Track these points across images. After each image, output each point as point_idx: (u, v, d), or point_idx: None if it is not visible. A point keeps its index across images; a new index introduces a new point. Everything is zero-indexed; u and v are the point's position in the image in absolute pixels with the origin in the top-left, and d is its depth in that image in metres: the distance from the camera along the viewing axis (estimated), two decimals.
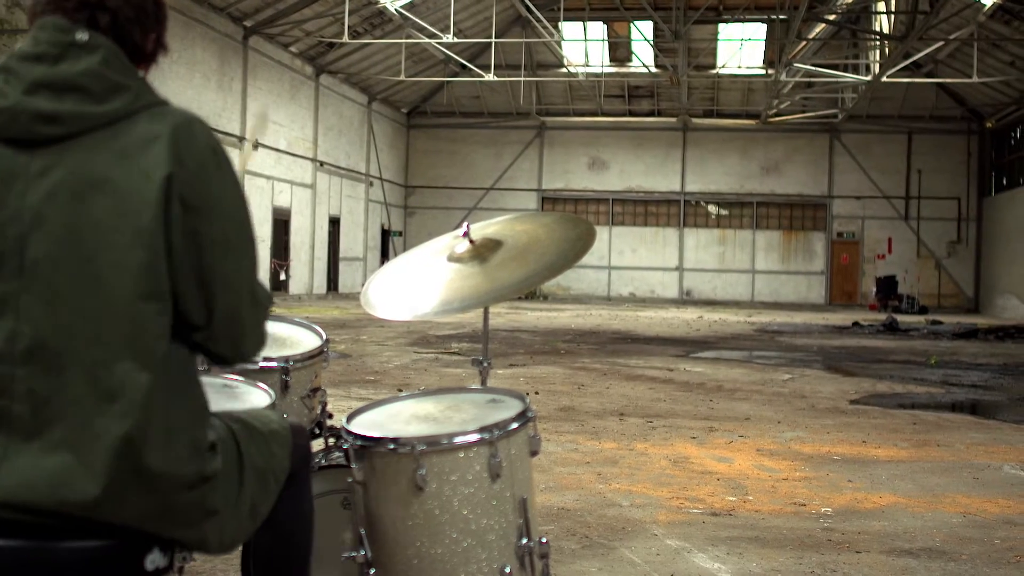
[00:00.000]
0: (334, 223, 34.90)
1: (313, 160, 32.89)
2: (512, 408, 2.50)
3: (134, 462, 1.80)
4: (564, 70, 37.10)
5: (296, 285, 31.64)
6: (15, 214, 1.80)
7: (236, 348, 1.98)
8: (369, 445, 2.37)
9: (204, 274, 1.87)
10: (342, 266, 35.72)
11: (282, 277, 30.64)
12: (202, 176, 1.86)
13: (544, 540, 2.40)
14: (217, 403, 2.27)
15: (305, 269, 32.45)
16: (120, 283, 1.80)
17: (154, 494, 1.83)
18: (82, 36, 1.86)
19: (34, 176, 1.80)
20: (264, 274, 29.28)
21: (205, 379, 2.19)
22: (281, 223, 30.63)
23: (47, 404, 1.79)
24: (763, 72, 36.79)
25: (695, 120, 40.19)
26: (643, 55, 37.20)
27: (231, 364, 2.04)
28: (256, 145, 27.93)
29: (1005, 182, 35.89)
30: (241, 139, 27.66)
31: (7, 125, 1.81)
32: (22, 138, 1.82)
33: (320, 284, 33.67)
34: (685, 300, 39.79)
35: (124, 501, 1.81)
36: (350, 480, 2.42)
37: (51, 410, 1.79)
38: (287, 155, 30.89)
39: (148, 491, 1.82)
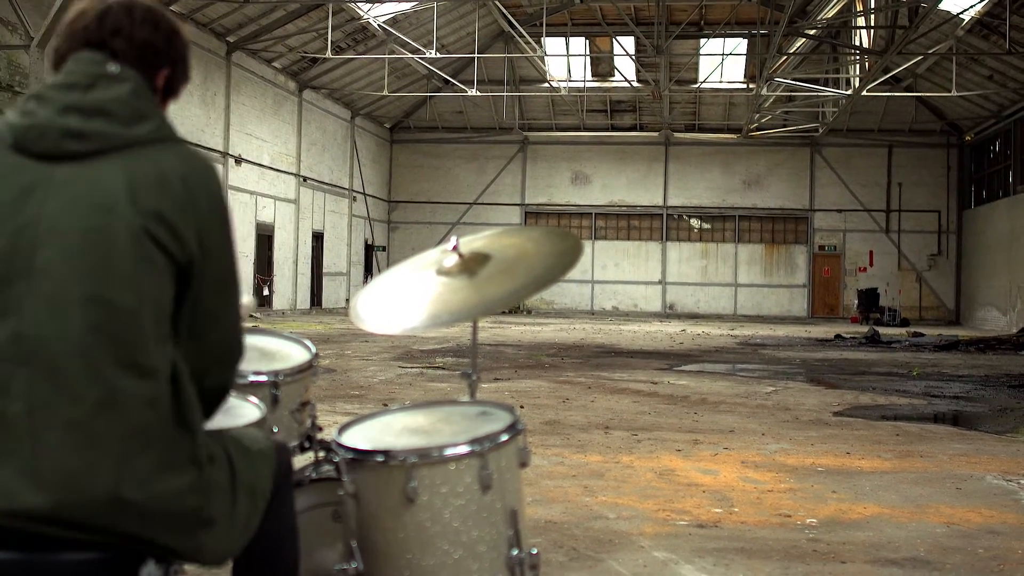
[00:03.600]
0: (317, 238, 34.86)
1: (296, 175, 32.86)
2: (502, 420, 2.52)
3: (132, 465, 1.84)
4: (547, 85, 37.21)
5: (279, 300, 31.57)
6: (31, 220, 1.88)
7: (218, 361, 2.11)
8: (360, 458, 2.39)
9: (197, 307, 2.02)
10: (325, 281, 35.66)
11: (265, 292, 30.56)
12: (206, 224, 1.99)
13: (535, 551, 2.42)
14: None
15: (288, 284, 32.39)
16: (123, 293, 1.87)
17: (153, 499, 1.86)
18: (113, 68, 2.00)
19: (55, 186, 1.90)
20: (248, 289, 29.21)
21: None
22: (264, 238, 30.58)
23: (46, 405, 1.82)
24: (744, 86, 37.00)
25: (677, 134, 40.36)
26: (625, 70, 37.36)
27: (209, 381, 2.11)
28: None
29: (984, 195, 36.15)
30: (224, 154, 27.64)
31: (37, 140, 1.92)
32: (50, 153, 1.91)
33: (304, 299, 33.60)
34: (668, 314, 39.88)
35: (124, 504, 1.84)
36: (341, 493, 2.43)
37: (48, 412, 1.82)
38: (270, 170, 30.86)
39: (146, 496, 1.85)
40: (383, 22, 30.22)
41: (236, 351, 2.15)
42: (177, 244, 1.93)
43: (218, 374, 2.11)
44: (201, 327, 2.04)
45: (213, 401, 2.14)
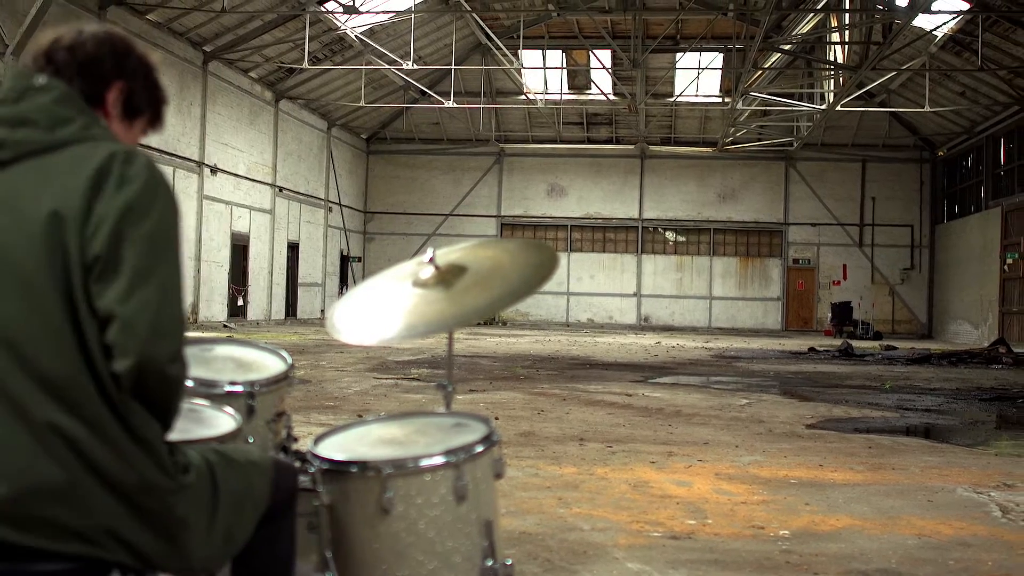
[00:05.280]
0: (293, 248, 34.76)
1: (272, 185, 32.77)
2: (477, 431, 2.53)
3: (86, 459, 1.86)
4: (523, 97, 37.30)
5: (254, 311, 31.44)
6: None
7: (134, 342, 1.87)
8: (336, 468, 2.39)
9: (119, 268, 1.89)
10: (301, 292, 35.55)
11: (240, 303, 30.43)
12: (124, 216, 1.90)
13: (509, 562, 2.43)
14: (182, 427, 2.28)
15: (263, 294, 32.26)
16: (54, 294, 1.89)
17: (114, 495, 1.88)
18: (40, 80, 2.05)
19: None
20: (223, 299, 29.07)
21: None
22: (240, 248, 30.45)
23: None
24: (720, 100, 37.22)
25: (653, 147, 40.53)
26: (602, 83, 37.50)
27: (126, 364, 1.89)
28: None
29: (956, 210, 36.49)
30: (200, 164, 27.55)
31: None
32: None
33: (278, 310, 33.47)
34: (643, 326, 39.97)
35: (86, 497, 1.86)
36: (316, 503, 2.43)
37: None
38: (246, 180, 30.75)
39: (107, 490, 1.87)
40: (360, 33, 30.23)
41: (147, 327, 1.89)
42: (79, 238, 1.90)
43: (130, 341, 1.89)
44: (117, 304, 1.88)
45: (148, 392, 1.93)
